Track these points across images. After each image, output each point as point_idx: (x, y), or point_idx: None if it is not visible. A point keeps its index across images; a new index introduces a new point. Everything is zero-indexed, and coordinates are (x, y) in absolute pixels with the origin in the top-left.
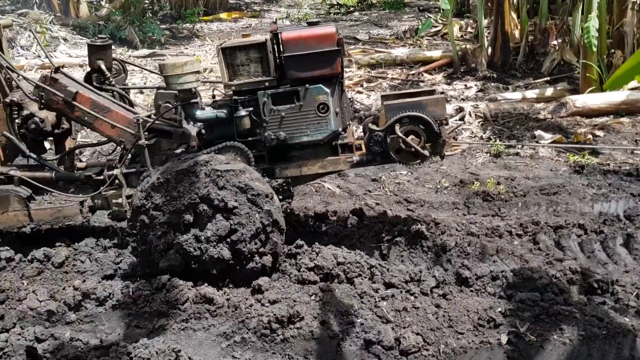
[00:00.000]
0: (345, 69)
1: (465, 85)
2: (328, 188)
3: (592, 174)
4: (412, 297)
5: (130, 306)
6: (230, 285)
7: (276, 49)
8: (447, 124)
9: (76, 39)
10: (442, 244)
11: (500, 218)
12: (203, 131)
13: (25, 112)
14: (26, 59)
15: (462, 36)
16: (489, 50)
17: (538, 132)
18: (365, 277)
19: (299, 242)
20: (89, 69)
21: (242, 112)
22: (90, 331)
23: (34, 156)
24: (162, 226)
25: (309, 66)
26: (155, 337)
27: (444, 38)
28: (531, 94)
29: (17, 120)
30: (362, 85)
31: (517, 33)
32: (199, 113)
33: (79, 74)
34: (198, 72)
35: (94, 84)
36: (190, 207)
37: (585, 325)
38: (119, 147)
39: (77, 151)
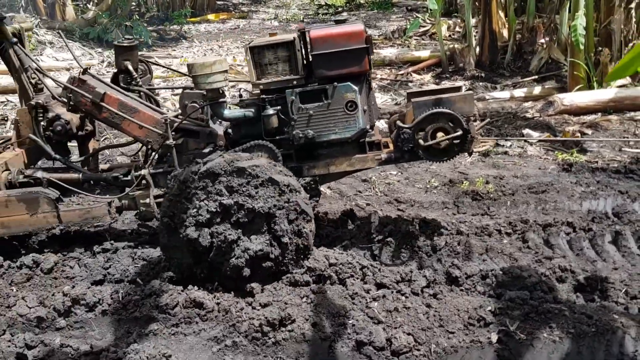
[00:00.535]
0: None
1: (454, 84)
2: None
3: (581, 171)
4: (403, 297)
5: (120, 311)
6: (220, 289)
7: (303, 48)
8: (475, 120)
9: (62, 43)
10: (432, 243)
11: (489, 217)
12: (230, 130)
13: (50, 114)
14: None
15: (450, 36)
16: (477, 49)
17: (526, 131)
18: (357, 278)
19: None
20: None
21: (270, 111)
22: (80, 337)
23: (60, 158)
24: (202, 210)
25: (338, 64)
26: (145, 342)
27: (432, 38)
28: (519, 92)
29: (42, 123)
30: None
31: (504, 32)
32: (227, 112)
33: (65, 78)
34: (226, 71)
35: (121, 84)
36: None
37: (575, 323)
38: (145, 147)
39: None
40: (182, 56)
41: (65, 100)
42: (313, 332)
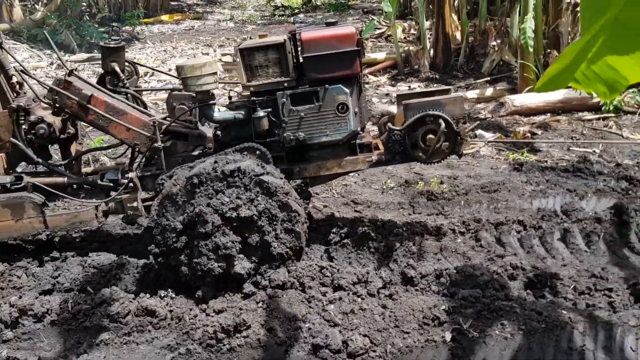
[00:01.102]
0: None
1: (409, 86)
2: None
3: (531, 171)
4: (359, 299)
5: (70, 321)
6: (173, 296)
7: (294, 49)
8: (465, 122)
9: (9, 44)
10: (389, 244)
11: (444, 216)
12: (219, 133)
13: (32, 118)
14: None
15: (405, 38)
16: (431, 51)
17: (479, 132)
18: (314, 280)
19: None
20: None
21: (261, 113)
22: (28, 349)
23: (43, 162)
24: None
25: (330, 67)
26: (96, 352)
27: (388, 40)
28: (472, 94)
29: (24, 126)
30: None
31: (458, 35)
32: (217, 114)
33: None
34: (216, 73)
35: (108, 86)
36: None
37: (525, 320)
38: (132, 150)
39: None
40: (135, 58)
41: (50, 102)
42: (269, 338)
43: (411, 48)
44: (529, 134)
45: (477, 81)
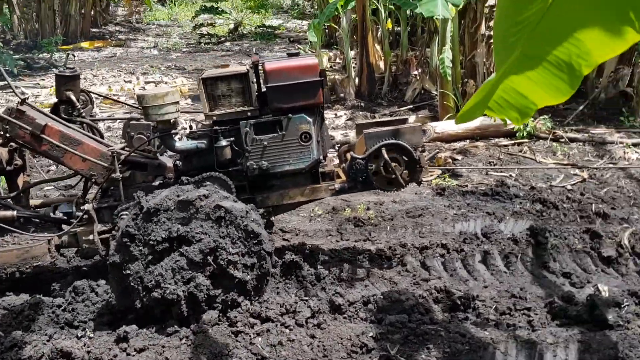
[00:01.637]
0: None
1: (336, 114)
2: None
3: (453, 195)
4: (287, 330)
5: None
6: (91, 335)
7: (257, 79)
8: (423, 151)
9: None
10: (317, 272)
11: (371, 242)
12: (179, 163)
13: None
14: None
15: (331, 67)
16: (357, 80)
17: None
18: (242, 314)
19: None
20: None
21: (224, 142)
22: None
23: None
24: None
25: (293, 96)
26: None
27: None
28: None
29: None
30: None
31: (381, 64)
32: (178, 144)
33: None
34: (178, 102)
35: (62, 115)
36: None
37: (450, 342)
38: (86, 181)
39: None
40: (52, 86)
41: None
42: None
43: (337, 77)
44: (450, 160)
45: (401, 109)
